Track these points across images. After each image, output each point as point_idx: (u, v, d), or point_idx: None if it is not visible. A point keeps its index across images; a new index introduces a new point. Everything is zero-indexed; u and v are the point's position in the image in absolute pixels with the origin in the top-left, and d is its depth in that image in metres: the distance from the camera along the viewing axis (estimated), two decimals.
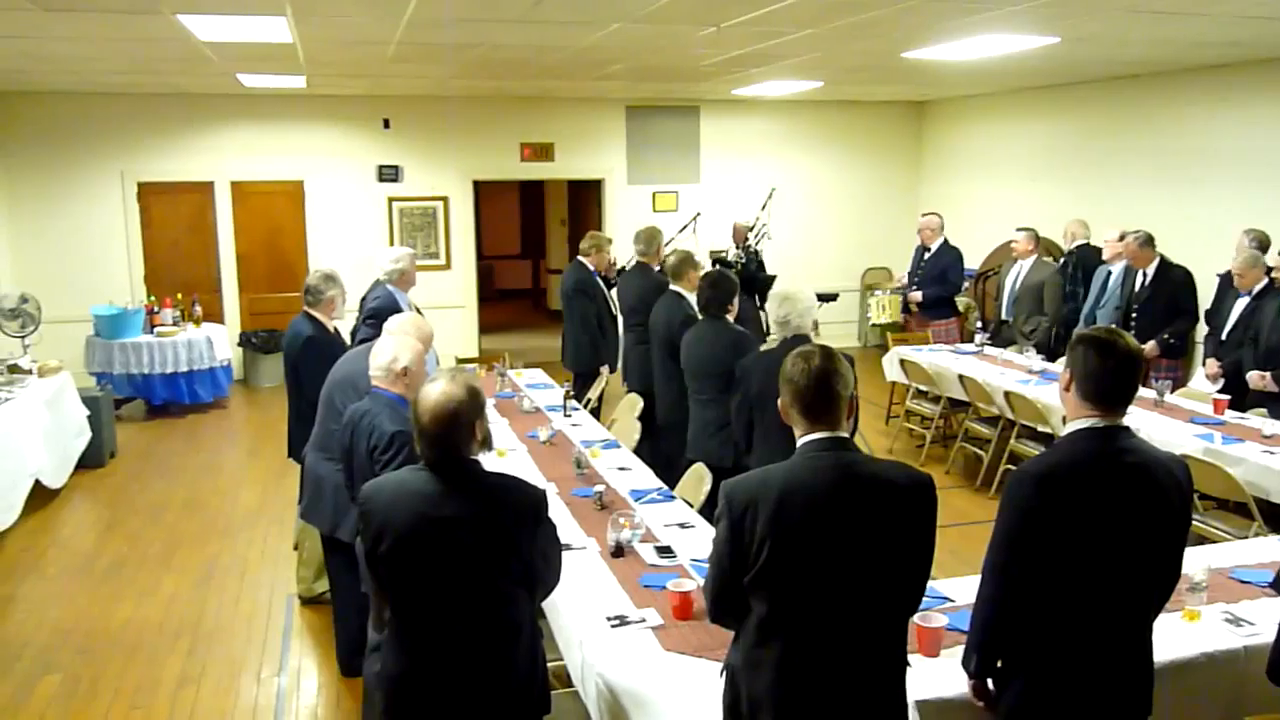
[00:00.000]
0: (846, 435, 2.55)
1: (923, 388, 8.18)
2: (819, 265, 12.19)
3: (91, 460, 7.95)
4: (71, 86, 10.01)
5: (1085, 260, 8.34)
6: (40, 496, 7.01)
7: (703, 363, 5.37)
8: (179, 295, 10.15)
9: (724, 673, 2.63)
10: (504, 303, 16.39)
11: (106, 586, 5.84)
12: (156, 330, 9.63)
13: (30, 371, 7.60)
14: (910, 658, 2.65)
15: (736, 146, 12.36)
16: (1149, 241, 7.30)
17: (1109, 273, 7.82)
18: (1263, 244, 7.06)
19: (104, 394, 8.36)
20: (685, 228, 11.18)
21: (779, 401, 2.63)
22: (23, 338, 8.58)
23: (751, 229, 10.16)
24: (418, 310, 6.26)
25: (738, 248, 9.90)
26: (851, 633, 2.48)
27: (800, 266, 11.60)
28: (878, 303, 9.72)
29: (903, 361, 8.25)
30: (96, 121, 10.55)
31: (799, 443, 2.56)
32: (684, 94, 11.50)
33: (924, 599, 2.64)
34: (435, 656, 2.76)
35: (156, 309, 9.84)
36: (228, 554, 6.29)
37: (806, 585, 2.44)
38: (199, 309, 10.14)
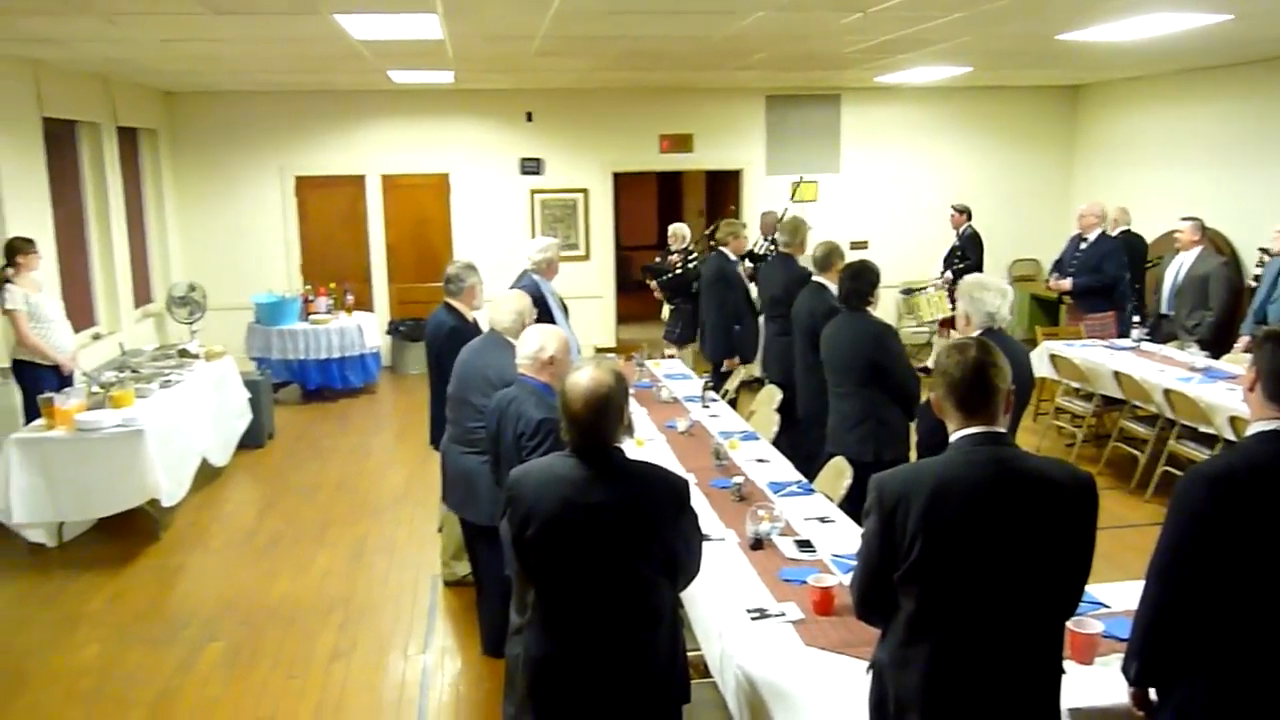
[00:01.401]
0: (1004, 430, 2.46)
1: (1075, 384, 7.86)
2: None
3: (251, 441, 8.37)
4: (235, 86, 10.53)
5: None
6: (206, 474, 7.40)
7: (843, 356, 5.28)
8: (332, 284, 10.57)
9: (870, 670, 2.59)
10: (641, 293, 16.46)
11: (265, 561, 6.14)
12: (311, 318, 10.05)
13: (197, 356, 8.04)
14: (1063, 664, 2.55)
15: (878, 135, 12.11)
16: None
17: None
18: None
19: (263, 378, 8.78)
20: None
21: (932, 396, 2.56)
22: (191, 324, 9.08)
23: (780, 219, 9.97)
24: (561, 300, 6.37)
25: (766, 240, 9.71)
26: (1005, 635, 2.39)
27: (942, 257, 11.30)
28: (926, 300, 9.51)
29: (1053, 357, 7.94)
30: (257, 119, 11.07)
31: (953, 437, 2.49)
32: (825, 82, 11.32)
33: (1080, 603, 2.54)
34: (578, 640, 2.80)
35: (311, 297, 10.28)
36: (376, 534, 6.52)
37: (959, 584, 2.37)
38: (351, 298, 10.53)
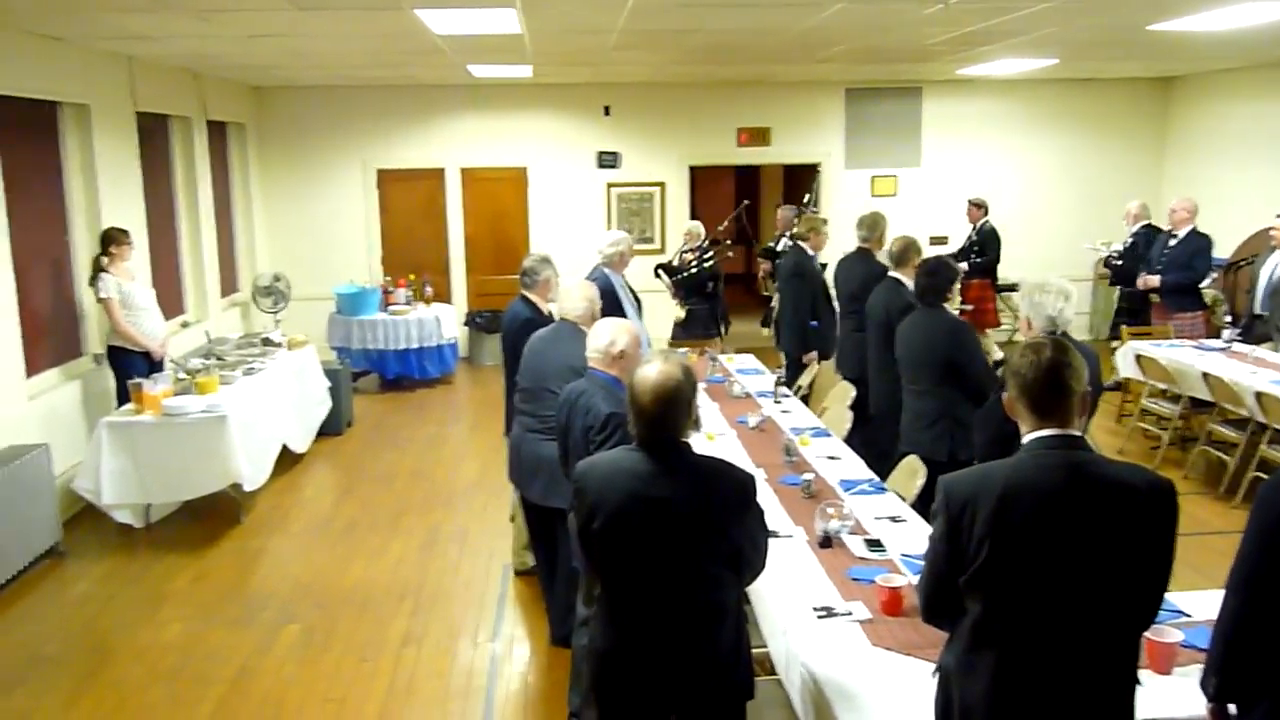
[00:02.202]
0: (1078, 434, 2.40)
1: (1161, 385, 7.63)
2: (1047, 253, 11.52)
3: (331, 428, 8.55)
4: (320, 81, 10.76)
5: None
6: (286, 460, 7.58)
7: (918, 353, 5.20)
8: (411, 276, 10.73)
9: (936, 674, 2.55)
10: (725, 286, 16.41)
11: (341, 546, 6.27)
12: (390, 309, 10.23)
13: (280, 345, 8.24)
14: (1140, 674, 2.47)
15: (960, 128, 11.90)
16: None
17: None
18: None
19: (343, 367, 8.97)
20: (734, 217, 11.17)
21: (1004, 396, 2.51)
22: (275, 314, 9.31)
23: (800, 215, 9.81)
24: (632, 292, 6.39)
25: (784, 235, 9.55)
26: (1075, 643, 2.33)
27: (1026, 254, 11.07)
28: None
29: (1139, 357, 7.72)
30: (341, 113, 11.29)
31: (1024, 439, 2.43)
32: (906, 75, 11.16)
33: (1158, 612, 2.46)
34: (642, 633, 2.81)
35: (391, 289, 10.45)
36: (449, 523, 6.61)
37: (1027, 589, 2.32)
38: (429, 289, 10.68)
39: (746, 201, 11.99)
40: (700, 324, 8.97)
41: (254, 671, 4.72)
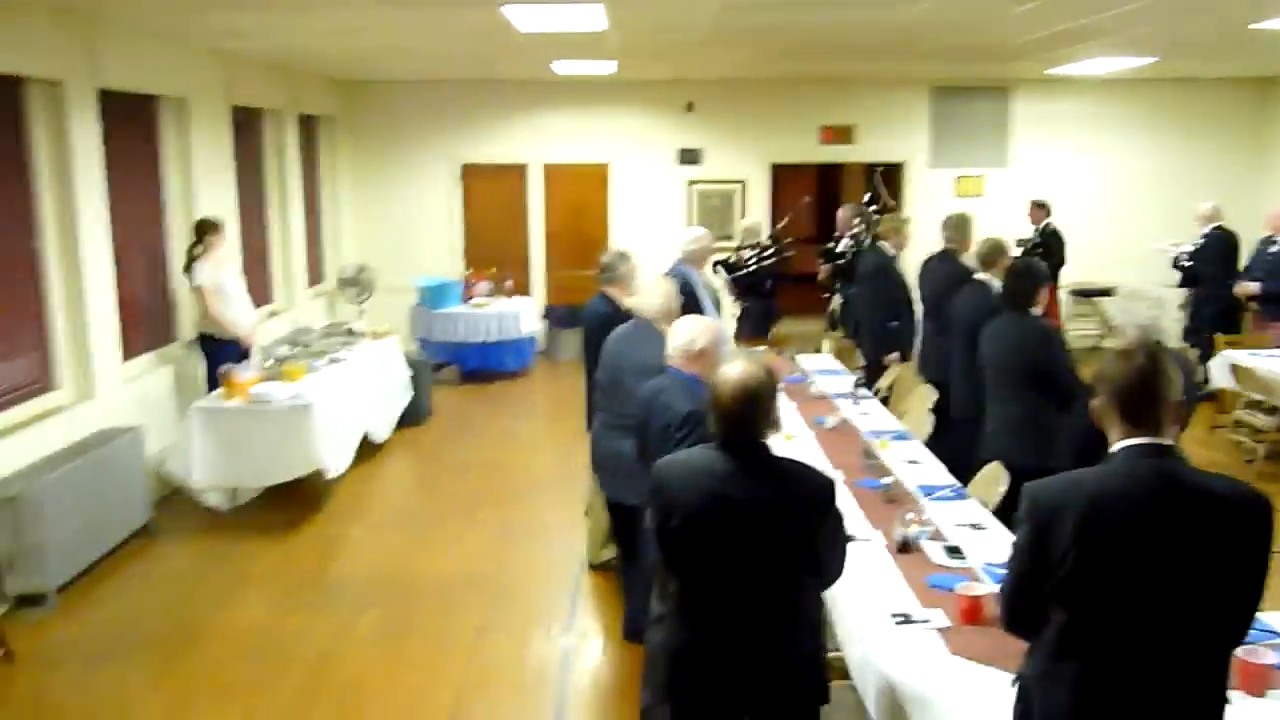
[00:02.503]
0: (1170, 443, 2.33)
1: (1258, 396, 7.37)
2: (1140, 258, 11.19)
3: (411, 419, 8.69)
4: (407, 76, 10.93)
5: None
6: (366, 449, 7.72)
7: (1005, 357, 5.10)
8: (492, 270, 10.85)
9: (1015, 684, 2.50)
10: (795, 286, 16.28)
11: (418, 535, 6.37)
12: (471, 302, 10.36)
13: (364, 335, 8.40)
14: (1230, 694, 2.39)
15: (1050, 129, 11.62)
16: None
17: None
18: None
19: (424, 359, 9.11)
20: (792, 215, 10.86)
21: (1093, 402, 2.44)
22: (359, 304, 9.49)
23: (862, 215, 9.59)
24: (713, 292, 6.37)
25: (846, 236, 9.33)
26: (1162, 658, 2.27)
27: (1117, 259, 10.78)
28: None
29: (1234, 367, 7.47)
30: (427, 108, 11.45)
31: (1114, 448, 2.37)
32: (994, 74, 10.94)
33: (1251, 631, 2.38)
34: (718, 633, 2.80)
35: (472, 282, 10.59)
36: (524, 515, 6.68)
37: (1114, 601, 2.26)
38: (509, 283, 10.80)
39: (808, 198, 11.85)
40: (751, 322, 8.91)
41: (334, 656, 4.83)
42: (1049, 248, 9.93)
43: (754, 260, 9.02)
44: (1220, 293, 8.58)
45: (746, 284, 8.99)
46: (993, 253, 5.89)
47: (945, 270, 6.81)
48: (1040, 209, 10.23)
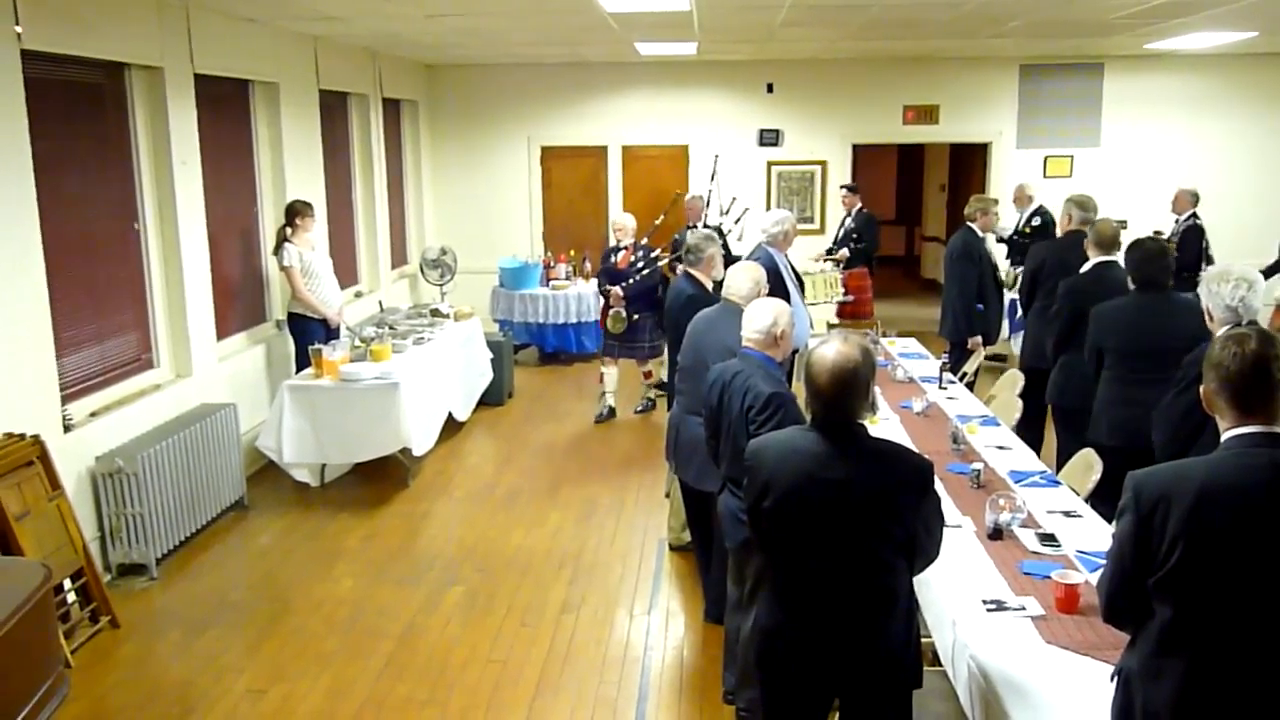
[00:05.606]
0: None
1: None
2: (1242, 241, 10.76)
3: (492, 398, 8.80)
4: (488, 59, 11.02)
5: None
6: (449, 428, 7.84)
7: (1150, 338, 4.73)
8: (571, 252, 10.90)
9: (1115, 677, 2.45)
10: (877, 269, 16.04)
11: (502, 513, 6.46)
12: (551, 284, 10.43)
13: (447, 316, 8.52)
14: None
15: (1145, 106, 11.26)
16: None
17: None
18: None
19: (505, 339, 9.21)
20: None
21: (1202, 389, 2.38)
22: (441, 286, 9.62)
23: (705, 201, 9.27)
24: (796, 274, 6.32)
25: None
26: (1272, 655, 2.21)
27: (1218, 240, 10.40)
28: (811, 281, 8.39)
29: None
30: (509, 90, 11.53)
31: (1224, 436, 2.31)
32: (1087, 50, 10.63)
33: None
34: (810, 614, 2.79)
35: (552, 264, 10.65)
36: (606, 495, 6.72)
37: (1223, 595, 2.20)
38: (589, 265, 10.83)
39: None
40: (648, 334, 8.22)
41: (421, 629, 4.92)
42: (1185, 243, 8.83)
43: (643, 264, 8.16)
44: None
45: (636, 294, 8.05)
46: (1115, 235, 5.64)
47: (1049, 252, 6.57)
48: (1189, 199, 9.12)
